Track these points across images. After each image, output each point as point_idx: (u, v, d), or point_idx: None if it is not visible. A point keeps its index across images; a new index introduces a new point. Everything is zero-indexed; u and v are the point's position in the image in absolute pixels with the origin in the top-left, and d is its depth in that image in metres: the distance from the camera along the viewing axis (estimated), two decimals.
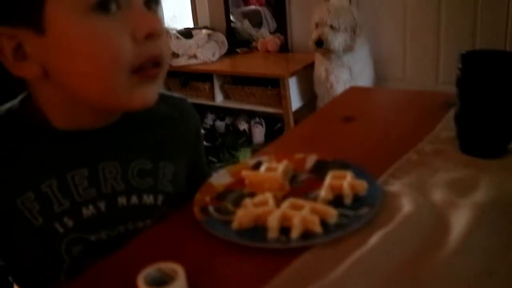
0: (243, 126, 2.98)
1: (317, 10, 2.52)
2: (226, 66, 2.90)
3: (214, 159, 2.79)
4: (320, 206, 0.61)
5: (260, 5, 3.33)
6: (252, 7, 3.37)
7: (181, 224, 0.65)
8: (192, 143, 0.79)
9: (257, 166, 0.75)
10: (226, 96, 2.91)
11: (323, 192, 0.65)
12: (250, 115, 3.02)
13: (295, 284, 0.52)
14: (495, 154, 0.78)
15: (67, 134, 0.64)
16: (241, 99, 2.82)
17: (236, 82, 2.84)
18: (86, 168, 0.65)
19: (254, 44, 3.16)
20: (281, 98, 2.66)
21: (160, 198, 0.70)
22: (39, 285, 0.66)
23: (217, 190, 0.70)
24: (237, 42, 3.18)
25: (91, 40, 0.55)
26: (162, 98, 0.66)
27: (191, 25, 3.36)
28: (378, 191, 0.66)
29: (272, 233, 0.58)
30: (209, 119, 3.08)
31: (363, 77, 2.60)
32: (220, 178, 0.73)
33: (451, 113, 0.89)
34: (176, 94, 0.81)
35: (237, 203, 0.66)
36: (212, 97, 2.88)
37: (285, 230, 0.59)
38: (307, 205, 0.60)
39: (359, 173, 0.69)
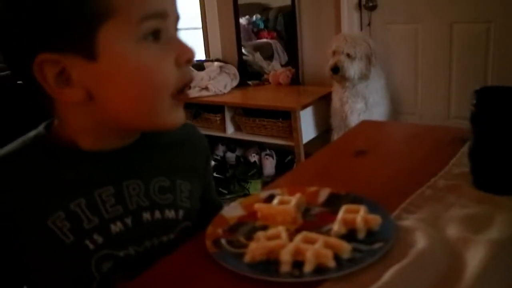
0: (253, 158, 2.99)
1: (334, 38, 2.59)
2: (237, 98, 2.94)
3: (224, 191, 2.79)
4: (333, 240, 0.61)
5: (272, 38, 3.39)
6: (264, 40, 3.43)
7: (193, 256, 0.65)
8: (203, 166, 0.83)
9: (269, 199, 0.76)
10: (237, 128, 2.94)
11: (336, 226, 0.66)
12: (260, 147, 3.03)
13: None
14: (509, 191, 0.78)
15: (93, 154, 0.67)
16: (252, 131, 2.85)
17: (247, 114, 2.87)
18: (112, 186, 0.67)
19: (265, 76, 3.20)
20: (292, 131, 2.67)
21: (181, 213, 0.74)
22: None
23: (229, 223, 0.71)
24: (248, 75, 3.22)
25: (143, 67, 0.60)
26: None
27: (203, 57, 3.42)
28: (391, 225, 0.66)
29: (285, 267, 0.58)
30: (220, 150, 3.10)
31: (378, 109, 2.62)
32: (232, 210, 0.73)
33: (465, 148, 0.89)
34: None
35: (250, 236, 0.66)
36: (223, 129, 2.91)
37: (298, 264, 0.59)
38: (321, 239, 0.60)
39: (372, 208, 0.69)
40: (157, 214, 0.71)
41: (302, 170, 0.97)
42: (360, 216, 0.66)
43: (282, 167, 2.97)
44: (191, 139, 0.81)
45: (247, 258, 0.61)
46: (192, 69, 3.00)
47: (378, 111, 2.63)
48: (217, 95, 2.94)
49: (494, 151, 0.77)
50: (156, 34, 0.61)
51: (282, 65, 3.21)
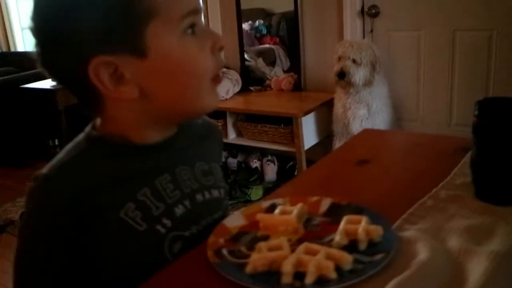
0: (255, 163, 3.00)
1: (340, 44, 2.60)
2: (239, 103, 2.95)
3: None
4: (335, 252, 0.61)
5: (274, 44, 3.40)
6: (266, 45, 3.44)
7: (195, 266, 0.66)
8: (220, 152, 0.94)
9: (271, 208, 0.76)
10: (239, 134, 2.94)
11: (338, 236, 0.66)
12: (262, 153, 3.04)
13: None
14: (509, 201, 0.78)
15: (145, 147, 0.73)
16: (254, 137, 2.85)
17: (249, 119, 2.88)
18: (168, 173, 0.74)
19: (267, 82, 3.21)
20: (294, 137, 2.68)
21: (222, 192, 0.83)
22: None
23: (231, 233, 0.71)
24: (251, 80, 3.23)
25: (188, 58, 0.67)
26: None
27: None
28: (393, 236, 0.66)
29: (286, 278, 0.58)
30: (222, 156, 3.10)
31: (381, 116, 2.63)
32: (234, 220, 0.74)
33: (467, 158, 0.89)
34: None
35: (251, 246, 0.66)
36: (225, 135, 2.92)
37: (299, 275, 0.59)
38: (322, 250, 0.61)
39: (374, 218, 0.69)
40: (207, 194, 0.78)
41: (304, 179, 0.98)
42: (361, 227, 0.66)
43: (284, 173, 2.97)
44: (213, 131, 0.90)
45: (248, 269, 0.61)
46: None
47: (380, 118, 2.64)
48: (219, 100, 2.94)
49: (496, 162, 0.77)
50: (193, 28, 0.67)
51: (284, 71, 3.22)
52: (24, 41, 5.12)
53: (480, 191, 0.81)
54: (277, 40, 3.33)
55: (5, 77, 3.76)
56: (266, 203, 0.78)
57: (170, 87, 0.68)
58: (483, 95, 2.61)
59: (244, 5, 3.23)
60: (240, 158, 3.11)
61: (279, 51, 3.35)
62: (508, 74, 2.53)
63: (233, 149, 3.12)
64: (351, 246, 0.65)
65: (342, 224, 0.67)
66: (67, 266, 0.68)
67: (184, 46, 0.66)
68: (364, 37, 2.83)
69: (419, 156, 1.01)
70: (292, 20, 3.06)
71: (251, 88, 3.18)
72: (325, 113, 2.77)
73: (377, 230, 0.66)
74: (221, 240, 0.69)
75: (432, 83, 2.77)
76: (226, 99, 2.98)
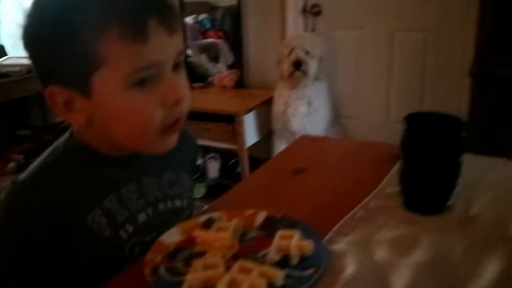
0: (198, 161, 3.00)
1: (292, 37, 2.64)
2: None
3: None
4: (267, 269, 0.64)
5: (218, 38, 3.39)
6: (210, 40, 3.43)
7: (133, 284, 0.67)
8: (193, 157, 1.01)
9: (207, 223, 0.78)
10: None
11: (271, 252, 0.69)
12: (205, 150, 3.04)
13: None
14: (434, 211, 0.84)
15: (114, 158, 0.78)
16: (196, 134, 2.83)
17: (191, 117, 2.82)
18: (134, 183, 0.80)
19: (210, 79, 3.21)
20: (236, 134, 2.70)
21: (185, 202, 0.87)
22: None
23: (168, 249, 0.72)
24: (193, 77, 3.21)
25: (129, 110, 0.69)
26: None
27: None
28: (324, 251, 0.70)
29: None
30: None
31: (321, 113, 2.69)
32: (171, 236, 0.75)
33: (397, 167, 0.94)
34: None
35: (188, 262, 0.68)
36: None
37: None
38: (256, 268, 0.63)
39: (306, 232, 0.73)
40: (169, 204, 0.84)
41: (242, 189, 1.00)
42: (294, 242, 0.69)
43: (227, 170, 2.99)
44: (185, 137, 0.91)
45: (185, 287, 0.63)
46: None
47: (320, 115, 2.70)
48: None
49: (422, 174, 0.83)
50: (144, 82, 0.68)
51: (228, 66, 3.22)
52: None
53: (407, 201, 0.86)
54: (222, 34, 3.33)
55: None
56: (202, 218, 0.80)
57: (113, 126, 0.71)
58: (419, 94, 2.73)
59: None
60: None
61: (223, 46, 3.36)
62: (441, 74, 2.65)
63: None
64: (283, 261, 0.68)
65: (275, 240, 0.70)
66: (37, 269, 0.72)
67: (128, 98, 0.68)
68: None
69: (353, 164, 1.06)
70: (236, 15, 3.06)
71: (194, 85, 3.17)
72: (267, 111, 2.81)
73: (308, 245, 0.69)
74: (159, 257, 0.70)
75: (371, 81, 2.86)
76: None
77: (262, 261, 0.68)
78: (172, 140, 0.75)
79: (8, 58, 3.61)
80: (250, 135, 2.76)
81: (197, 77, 3.23)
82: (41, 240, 0.71)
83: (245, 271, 0.63)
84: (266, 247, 0.70)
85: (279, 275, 0.63)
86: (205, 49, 3.41)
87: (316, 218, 0.80)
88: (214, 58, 3.35)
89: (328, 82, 2.75)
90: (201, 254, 0.70)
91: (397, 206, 0.87)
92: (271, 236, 0.72)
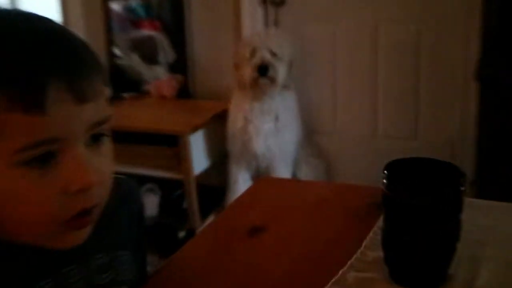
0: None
1: (254, 34, 2.67)
2: None
3: None
4: None
5: (155, 29, 3.35)
6: (145, 33, 3.39)
7: None
8: (136, 224, 0.93)
9: None
10: None
11: None
12: (140, 181, 3.00)
13: None
14: (429, 285, 0.84)
15: (24, 247, 0.73)
16: (128, 161, 2.81)
17: (120, 138, 2.78)
18: (51, 277, 0.75)
19: (145, 87, 3.18)
20: (181, 160, 2.68)
21: None
22: None
23: None
24: (122, 84, 3.17)
25: (16, 195, 0.65)
26: None
27: None
28: None
29: None
30: None
31: (290, 130, 2.72)
32: None
33: (380, 222, 0.94)
34: (120, 175, 0.90)
35: None
36: None
37: None
38: None
39: None
40: None
41: (184, 257, 0.98)
42: None
43: (169, 205, 2.97)
44: (125, 200, 0.90)
45: None
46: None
47: (290, 133, 2.72)
48: None
49: (410, 239, 0.82)
50: (40, 160, 0.65)
51: (169, 69, 3.20)
52: None
53: (394, 273, 0.86)
54: (159, 25, 3.29)
55: None
56: None
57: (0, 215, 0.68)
58: (412, 101, 2.78)
59: None
60: None
61: (162, 41, 3.32)
62: (439, 72, 2.70)
63: None
64: None
65: None
66: None
67: (16, 179, 0.65)
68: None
69: (326, 218, 1.05)
70: (177, 1, 3.04)
71: (124, 95, 3.13)
72: (220, 128, 2.80)
73: None
74: None
75: (352, 87, 2.90)
76: None
77: None
78: (80, 235, 0.72)
79: None
80: (199, 160, 2.75)
81: (127, 84, 3.19)
82: None
83: None
84: None
85: None
86: (138, 45, 3.37)
87: None
88: (150, 58, 3.32)
89: (299, 91, 2.77)
90: None
91: (382, 278, 0.86)
92: None
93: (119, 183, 0.86)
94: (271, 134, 2.68)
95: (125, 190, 0.91)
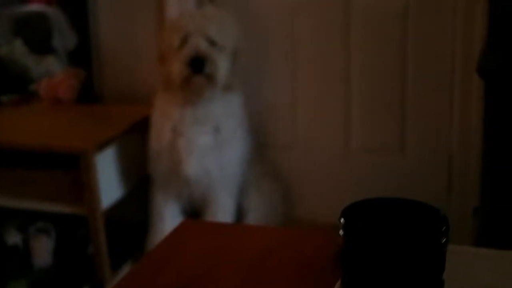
0: (13, 238, 2.93)
1: (184, 13, 2.70)
2: None
3: None
4: None
5: (48, 2, 3.34)
6: (33, 8, 3.37)
7: None
8: None
9: None
10: None
11: None
12: (27, 219, 2.98)
13: None
14: None
15: None
16: (9, 191, 2.79)
17: None
18: None
19: (34, 86, 3.16)
20: (84, 189, 2.67)
21: None
22: None
23: None
24: (1, 83, 3.15)
25: None
26: None
27: None
28: None
29: None
30: None
31: (235, 144, 2.74)
32: None
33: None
34: None
35: None
36: None
37: None
38: None
39: None
40: None
41: None
42: None
43: (68, 251, 2.95)
44: None
45: None
46: None
47: (234, 149, 2.72)
48: None
49: None
50: None
51: (67, 60, 3.19)
52: None
53: None
54: None
55: None
56: None
57: None
58: (397, 100, 2.83)
59: None
60: None
61: (59, 20, 3.31)
62: (431, 67, 2.77)
63: None
64: None
65: None
66: None
67: None
68: (200, 6, 2.91)
69: (269, 276, 1.07)
70: None
71: (2, 98, 3.10)
72: (139, 143, 2.80)
73: None
74: None
75: (317, 86, 2.93)
76: None
77: None
78: None
79: None
80: (109, 189, 2.74)
81: (7, 83, 3.17)
82: None
83: None
84: None
85: None
86: (23, 27, 3.35)
87: None
88: (41, 46, 3.30)
89: (246, 92, 2.78)
90: None
91: None
92: None
93: None
94: (209, 150, 2.67)
95: None
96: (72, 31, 3.22)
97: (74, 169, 2.67)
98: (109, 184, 2.74)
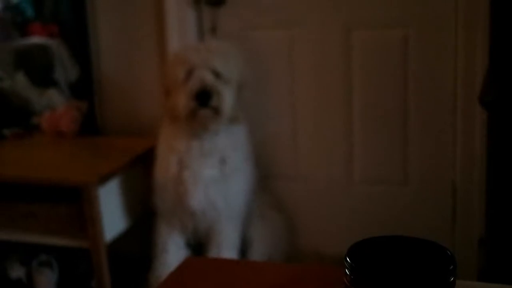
0: (16, 272, 2.92)
1: (189, 46, 2.69)
2: None
3: None
4: None
5: (51, 36, 3.34)
6: (35, 40, 3.37)
7: None
8: None
9: None
10: None
11: None
12: (29, 253, 2.97)
13: None
14: None
15: None
16: (11, 224, 2.78)
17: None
18: None
19: (35, 119, 3.16)
20: (86, 222, 2.66)
21: None
22: None
23: None
24: (3, 116, 3.15)
25: None
26: None
27: None
28: None
29: None
30: None
31: (240, 176, 2.73)
32: None
33: None
34: None
35: None
36: None
37: None
38: None
39: None
40: None
41: None
42: None
43: (71, 285, 2.94)
44: None
45: None
46: None
47: (240, 180, 2.71)
48: None
49: None
50: None
51: (69, 92, 3.19)
52: None
53: None
54: (56, 29, 3.27)
55: None
56: None
57: None
58: (400, 130, 2.83)
59: None
60: None
61: (60, 52, 3.31)
62: (433, 95, 2.78)
63: None
64: None
65: None
66: None
67: None
68: (203, 40, 2.92)
69: None
70: None
71: (4, 131, 3.10)
72: (143, 176, 2.80)
73: None
74: None
75: (318, 116, 2.94)
76: None
77: None
78: None
79: None
80: (112, 222, 2.73)
81: (9, 116, 3.17)
82: None
83: None
84: None
85: None
86: (25, 59, 3.35)
87: None
88: (42, 78, 3.30)
89: (248, 122, 2.78)
90: None
91: None
92: None
93: None
94: (215, 182, 2.65)
95: None
96: (73, 63, 3.23)
97: (77, 202, 2.67)
98: (112, 217, 2.74)
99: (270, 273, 1.21)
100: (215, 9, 2.92)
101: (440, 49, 2.71)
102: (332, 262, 2.72)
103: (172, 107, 2.59)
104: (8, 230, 2.80)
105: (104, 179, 2.67)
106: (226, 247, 2.70)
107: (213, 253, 2.69)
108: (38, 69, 3.30)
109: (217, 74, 2.53)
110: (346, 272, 0.85)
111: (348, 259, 0.85)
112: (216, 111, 2.53)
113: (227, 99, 2.53)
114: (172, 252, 2.73)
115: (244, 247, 2.84)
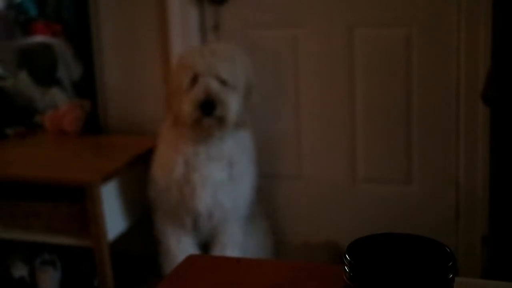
0: (19, 271, 2.93)
1: (193, 53, 2.61)
2: None
3: None
4: None
5: (54, 34, 3.34)
6: (38, 39, 3.38)
7: None
8: None
9: None
10: None
11: None
12: (32, 252, 2.98)
13: None
14: None
15: None
16: (14, 224, 2.78)
17: (2, 193, 2.80)
18: None
19: (38, 118, 3.17)
20: (89, 220, 2.66)
21: None
22: None
23: None
24: (5, 116, 3.15)
25: None
26: None
27: None
28: None
29: None
30: None
31: (246, 178, 2.73)
32: None
33: None
34: None
35: None
36: None
37: None
38: None
39: None
40: None
41: None
42: None
43: (74, 284, 2.95)
44: None
45: None
46: None
47: (245, 182, 2.70)
48: None
49: None
50: None
51: (72, 91, 3.19)
52: None
53: None
54: (59, 28, 3.28)
55: None
56: None
57: None
58: (403, 129, 2.82)
59: None
60: None
61: (63, 50, 3.32)
62: (436, 93, 2.78)
63: None
64: None
65: None
66: None
67: None
68: (205, 38, 2.92)
69: None
70: None
71: (7, 130, 3.11)
72: (144, 174, 2.80)
73: None
74: None
75: (320, 114, 2.94)
76: None
77: None
78: None
79: None
80: (114, 220, 2.73)
81: (12, 115, 3.17)
82: None
83: None
84: None
85: None
86: (29, 58, 3.36)
87: None
88: (45, 77, 3.31)
89: (252, 123, 2.77)
90: None
91: None
92: None
93: None
94: (223, 185, 2.65)
95: None
96: (77, 62, 3.23)
97: (80, 201, 2.67)
98: (114, 216, 2.74)
99: (271, 271, 1.21)
100: (217, 7, 2.93)
101: (443, 48, 2.71)
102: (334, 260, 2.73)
103: (175, 113, 2.55)
104: (11, 229, 2.81)
105: (107, 178, 2.67)
106: (231, 246, 2.70)
107: (217, 252, 2.68)
108: (41, 68, 3.31)
109: (222, 81, 2.48)
110: (346, 269, 0.85)
111: (347, 256, 0.85)
112: (221, 120, 2.49)
113: (232, 107, 2.48)
114: (179, 252, 2.72)
115: None
